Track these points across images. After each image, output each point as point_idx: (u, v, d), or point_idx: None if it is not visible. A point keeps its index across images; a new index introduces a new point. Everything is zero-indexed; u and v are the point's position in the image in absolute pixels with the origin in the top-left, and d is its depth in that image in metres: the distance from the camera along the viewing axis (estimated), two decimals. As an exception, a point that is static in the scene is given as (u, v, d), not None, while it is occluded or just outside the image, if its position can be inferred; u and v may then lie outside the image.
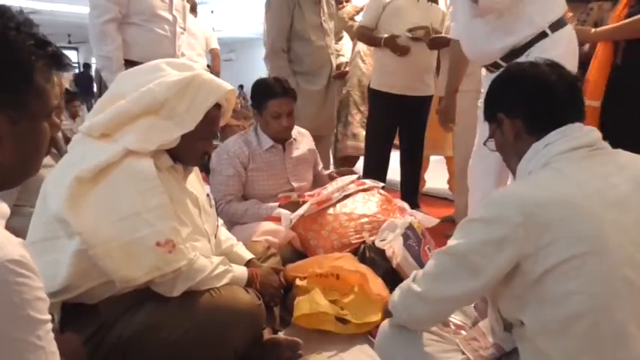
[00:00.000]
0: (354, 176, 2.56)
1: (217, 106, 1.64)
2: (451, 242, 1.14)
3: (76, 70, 13.63)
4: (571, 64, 1.76)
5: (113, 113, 1.51)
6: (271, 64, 3.06)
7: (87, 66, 13.68)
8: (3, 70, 0.76)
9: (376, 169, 3.13)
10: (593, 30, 2.37)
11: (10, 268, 0.70)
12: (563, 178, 1.06)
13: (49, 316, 0.76)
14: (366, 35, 3.25)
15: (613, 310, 0.99)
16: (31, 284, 0.72)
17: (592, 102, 2.35)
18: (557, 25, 1.91)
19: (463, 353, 1.28)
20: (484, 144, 1.31)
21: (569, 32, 1.96)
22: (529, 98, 1.17)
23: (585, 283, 0.99)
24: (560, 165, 1.09)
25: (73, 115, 6.02)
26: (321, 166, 2.73)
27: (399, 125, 3.37)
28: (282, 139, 2.48)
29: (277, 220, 2.25)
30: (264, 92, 2.39)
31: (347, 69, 3.53)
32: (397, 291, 1.30)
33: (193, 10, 4.11)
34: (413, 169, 3.46)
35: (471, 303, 1.21)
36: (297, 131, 2.58)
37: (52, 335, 0.76)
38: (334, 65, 3.25)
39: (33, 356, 0.73)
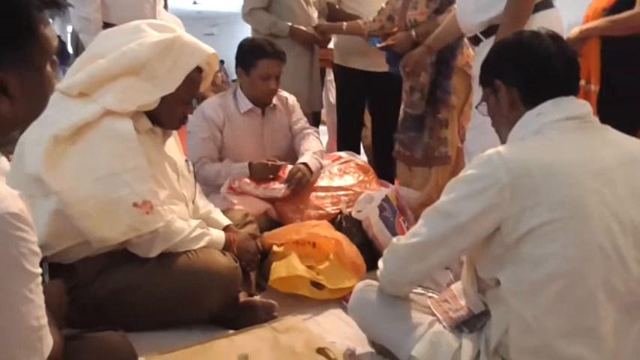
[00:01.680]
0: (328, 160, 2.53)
1: (198, 70, 1.63)
2: (439, 201, 1.17)
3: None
4: None
5: (92, 72, 1.49)
6: (251, 22, 2.99)
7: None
8: (7, 27, 0.75)
9: (348, 148, 3.06)
10: (579, 29, 2.40)
11: (9, 220, 0.71)
12: (552, 145, 1.10)
13: (40, 270, 0.78)
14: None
15: (585, 276, 1.03)
16: (27, 238, 0.74)
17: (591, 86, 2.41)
18: (540, 6, 1.83)
19: (434, 315, 1.32)
20: (476, 107, 1.32)
21: (551, 15, 1.87)
22: (528, 68, 1.19)
23: (563, 246, 1.03)
24: (552, 133, 1.12)
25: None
26: (301, 122, 2.60)
27: (369, 103, 3.23)
28: (264, 103, 2.44)
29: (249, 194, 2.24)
30: (255, 51, 2.35)
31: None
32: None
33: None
34: (385, 147, 3.17)
35: (451, 261, 1.23)
36: (278, 97, 2.52)
37: (41, 288, 0.79)
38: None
39: (24, 308, 0.75)
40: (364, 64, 3.05)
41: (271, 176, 2.29)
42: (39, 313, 0.77)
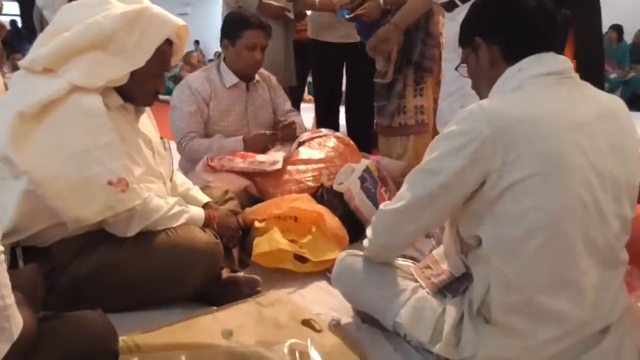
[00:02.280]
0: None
1: (169, 43, 1.58)
2: (422, 161, 1.16)
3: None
4: None
5: (56, 46, 1.43)
6: None
7: (14, 23, 12.68)
8: None
9: (327, 124, 3.05)
10: None
11: None
12: (532, 99, 1.09)
13: (1, 248, 0.74)
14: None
15: (565, 228, 1.03)
16: None
17: None
18: None
19: (416, 281, 1.32)
20: (456, 69, 1.31)
21: None
22: (509, 24, 1.17)
23: (543, 200, 1.02)
24: (532, 88, 1.11)
25: (16, 68, 5.73)
26: (288, 104, 2.67)
27: (346, 74, 3.22)
28: (248, 76, 2.46)
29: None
30: (241, 22, 2.37)
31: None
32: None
33: None
34: (363, 116, 3.14)
35: (441, 219, 1.23)
36: (260, 74, 2.55)
37: (4, 266, 0.76)
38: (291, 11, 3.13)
39: None
40: (337, 36, 3.04)
41: (270, 146, 2.37)
42: (3, 292, 0.74)
